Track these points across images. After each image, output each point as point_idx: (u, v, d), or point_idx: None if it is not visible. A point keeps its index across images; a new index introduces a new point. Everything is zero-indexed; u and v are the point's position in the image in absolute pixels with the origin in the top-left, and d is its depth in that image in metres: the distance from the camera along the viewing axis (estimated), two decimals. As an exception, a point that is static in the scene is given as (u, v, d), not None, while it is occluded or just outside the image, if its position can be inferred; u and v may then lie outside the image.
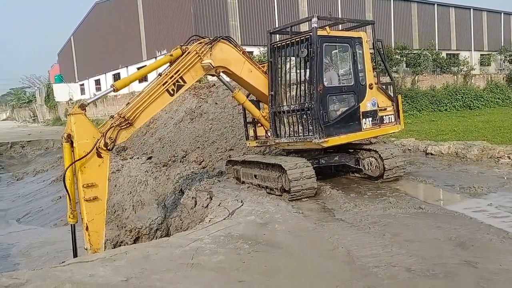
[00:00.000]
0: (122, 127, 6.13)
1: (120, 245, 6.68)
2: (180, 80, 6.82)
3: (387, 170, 8.31)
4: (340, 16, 31.72)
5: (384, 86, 8.82)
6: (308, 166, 7.56)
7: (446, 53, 36.97)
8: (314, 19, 7.55)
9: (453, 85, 31.34)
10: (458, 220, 5.87)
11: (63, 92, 49.90)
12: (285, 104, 8.16)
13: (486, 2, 46.20)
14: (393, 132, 9.24)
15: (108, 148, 5.86)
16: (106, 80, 41.81)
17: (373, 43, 8.57)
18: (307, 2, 30.92)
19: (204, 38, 7.31)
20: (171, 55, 6.92)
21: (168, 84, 6.72)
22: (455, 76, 33.14)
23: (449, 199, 7.24)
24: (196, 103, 15.27)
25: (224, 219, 6.30)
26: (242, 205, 7.00)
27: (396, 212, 6.40)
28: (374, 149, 8.58)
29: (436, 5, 38.90)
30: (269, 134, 8.59)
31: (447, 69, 33.72)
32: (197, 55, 6.96)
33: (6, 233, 9.51)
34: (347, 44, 8.17)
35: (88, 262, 4.76)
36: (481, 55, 41.18)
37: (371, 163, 8.66)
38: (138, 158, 12.78)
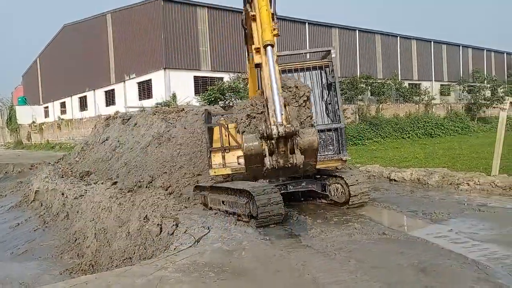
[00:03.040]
0: None
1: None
2: None
3: (353, 196, 8.46)
4: (307, 47, 32.68)
5: None
6: (275, 192, 7.59)
7: (409, 83, 38.61)
8: (333, 50, 8.40)
9: (415, 114, 32.62)
10: (421, 245, 6.01)
11: (26, 114, 48.47)
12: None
13: (446, 36, 48.99)
14: None
15: None
16: (72, 103, 40.98)
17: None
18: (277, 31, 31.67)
19: None
20: None
21: None
22: (417, 105, 34.52)
23: (412, 225, 7.41)
24: (165, 127, 15.14)
25: (190, 246, 6.19)
26: (208, 232, 6.91)
27: (361, 238, 6.49)
28: (340, 175, 8.74)
29: (398, 37, 40.79)
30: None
31: (410, 98, 35.12)
32: None
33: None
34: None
35: (45, 293, 4.55)
36: (441, 85, 43.23)
37: (337, 189, 8.79)
38: (102, 183, 12.47)
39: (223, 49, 29.19)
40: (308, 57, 9.61)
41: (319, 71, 8.58)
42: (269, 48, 4.63)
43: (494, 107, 35.70)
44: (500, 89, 42.57)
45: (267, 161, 4.62)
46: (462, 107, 38.15)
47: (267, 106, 4.52)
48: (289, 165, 4.65)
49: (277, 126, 4.40)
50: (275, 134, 4.43)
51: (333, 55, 8.41)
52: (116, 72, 33.41)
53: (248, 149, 4.58)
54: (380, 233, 6.67)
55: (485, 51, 50.96)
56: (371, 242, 6.25)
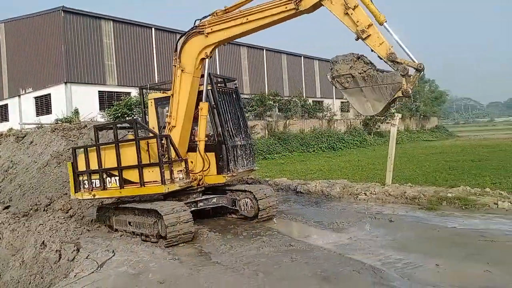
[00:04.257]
0: None
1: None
2: None
3: (261, 210, 8.67)
4: (217, 64, 33.09)
5: None
6: (185, 210, 7.51)
7: (312, 100, 40.82)
8: (236, 81, 10.03)
9: (319, 129, 34.56)
10: (323, 254, 6.35)
11: None
12: (236, 139, 8.90)
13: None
14: None
15: None
16: (-45, 119, 36.48)
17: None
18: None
19: None
20: None
21: None
22: (321, 121, 36.63)
23: (316, 235, 7.78)
24: (65, 145, 14.18)
25: (92, 272, 5.83)
26: (113, 255, 6.58)
27: (269, 251, 6.67)
28: (249, 189, 8.92)
29: (302, 57, 43.13)
30: (230, 169, 8.59)
31: (314, 114, 37.17)
32: None
33: None
34: None
35: None
36: (341, 102, 46.32)
37: (246, 204, 8.95)
38: (-8, 208, 11.25)
39: (130, 64, 28.31)
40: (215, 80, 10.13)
41: (232, 96, 9.41)
42: (386, 23, 6.74)
43: (387, 123, 39.19)
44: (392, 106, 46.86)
45: (409, 88, 6.60)
46: (360, 123, 41.30)
47: (394, 59, 6.59)
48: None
49: (421, 64, 6.53)
50: (424, 68, 6.53)
51: (236, 85, 9.74)
52: (10, 86, 30.60)
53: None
54: (287, 244, 6.92)
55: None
56: (279, 254, 6.46)
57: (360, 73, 6.95)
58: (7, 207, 11.28)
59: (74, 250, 6.99)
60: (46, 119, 24.40)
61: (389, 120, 38.36)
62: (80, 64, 25.74)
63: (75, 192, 8.88)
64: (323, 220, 8.67)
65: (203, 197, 8.92)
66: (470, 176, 12.86)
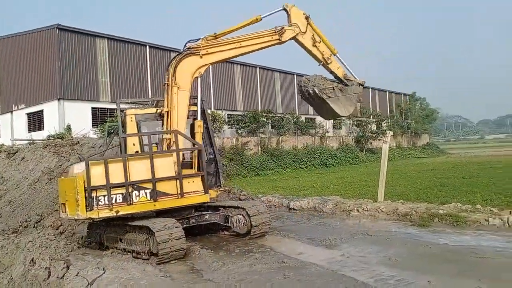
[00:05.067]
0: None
1: None
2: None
3: (254, 227, 8.63)
4: (211, 82, 33.29)
5: None
6: (177, 227, 7.46)
7: (305, 117, 41.05)
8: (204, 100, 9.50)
9: (312, 146, 34.71)
10: (316, 271, 6.32)
11: None
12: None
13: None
14: None
15: None
16: None
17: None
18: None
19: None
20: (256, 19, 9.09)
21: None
22: (313, 138, 36.83)
23: (309, 252, 7.74)
24: (56, 161, 14.09)
25: (82, 290, 5.75)
26: (103, 273, 6.50)
27: (262, 268, 6.63)
28: (242, 206, 8.90)
29: (295, 75, 43.54)
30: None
31: (306, 131, 37.37)
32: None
33: None
34: None
35: None
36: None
37: (239, 220, 8.91)
38: (-20, 225, 11.08)
39: (124, 81, 28.42)
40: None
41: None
42: (338, 54, 9.63)
43: (379, 140, 39.47)
44: (384, 123, 47.41)
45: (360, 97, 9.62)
46: (352, 139, 41.59)
47: (348, 78, 9.57)
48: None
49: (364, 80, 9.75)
50: (364, 83, 9.78)
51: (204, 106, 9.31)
52: (3, 102, 30.55)
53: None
54: (280, 261, 6.89)
55: (370, 89, 56.62)
56: (271, 271, 6.42)
57: (336, 86, 9.31)
58: (-4, 224, 11.09)
59: (64, 268, 6.89)
60: (38, 135, 24.31)
61: (381, 137, 38.72)
62: (73, 81, 25.80)
63: (87, 211, 7.59)
64: (315, 236, 8.66)
65: (196, 214, 8.89)
66: (461, 193, 12.95)
